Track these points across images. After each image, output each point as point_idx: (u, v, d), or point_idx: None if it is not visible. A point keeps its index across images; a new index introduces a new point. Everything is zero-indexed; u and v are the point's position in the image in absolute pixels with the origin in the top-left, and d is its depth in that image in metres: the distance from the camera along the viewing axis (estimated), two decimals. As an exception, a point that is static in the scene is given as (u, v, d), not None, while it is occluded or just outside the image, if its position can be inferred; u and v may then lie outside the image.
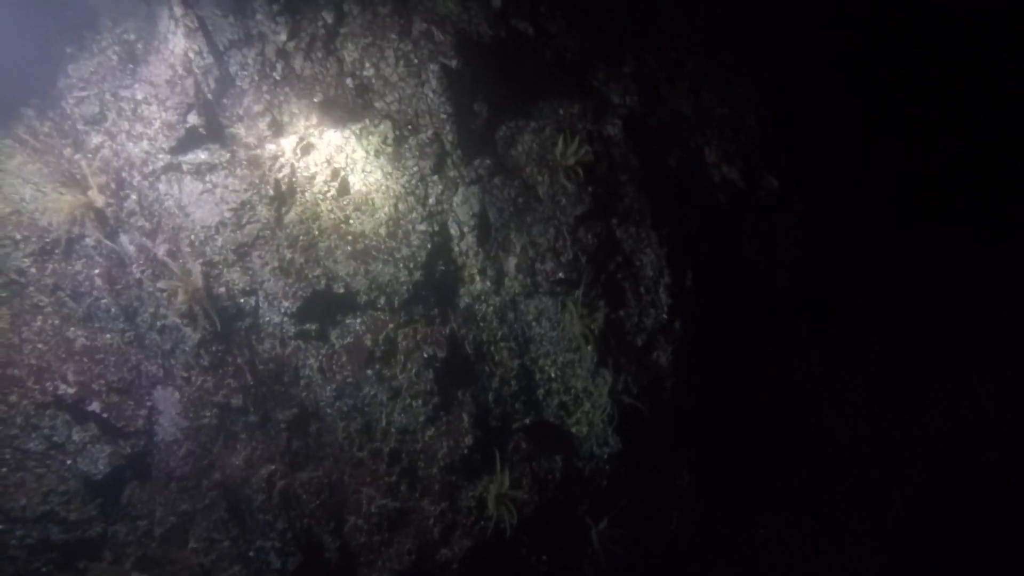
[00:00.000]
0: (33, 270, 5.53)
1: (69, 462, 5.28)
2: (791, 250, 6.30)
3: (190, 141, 5.47)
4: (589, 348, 5.15)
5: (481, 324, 5.42)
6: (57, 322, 5.61)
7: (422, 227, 5.31)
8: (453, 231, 5.43)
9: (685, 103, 6.52)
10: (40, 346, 5.52)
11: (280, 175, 5.34)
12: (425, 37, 5.58)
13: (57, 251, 5.50)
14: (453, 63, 5.44)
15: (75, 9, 5.45)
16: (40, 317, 5.60)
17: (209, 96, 5.56)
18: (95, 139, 5.43)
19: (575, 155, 5.36)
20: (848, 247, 6.95)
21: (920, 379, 6.91)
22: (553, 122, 5.72)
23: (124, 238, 5.54)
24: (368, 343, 5.19)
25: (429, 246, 5.28)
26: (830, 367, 6.46)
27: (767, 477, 6.04)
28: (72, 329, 5.59)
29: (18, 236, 5.50)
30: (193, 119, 5.44)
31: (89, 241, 5.51)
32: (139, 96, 5.42)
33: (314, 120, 5.51)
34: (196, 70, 5.47)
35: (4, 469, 5.23)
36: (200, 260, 5.29)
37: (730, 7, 7.07)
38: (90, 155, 5.40)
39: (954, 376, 7.02)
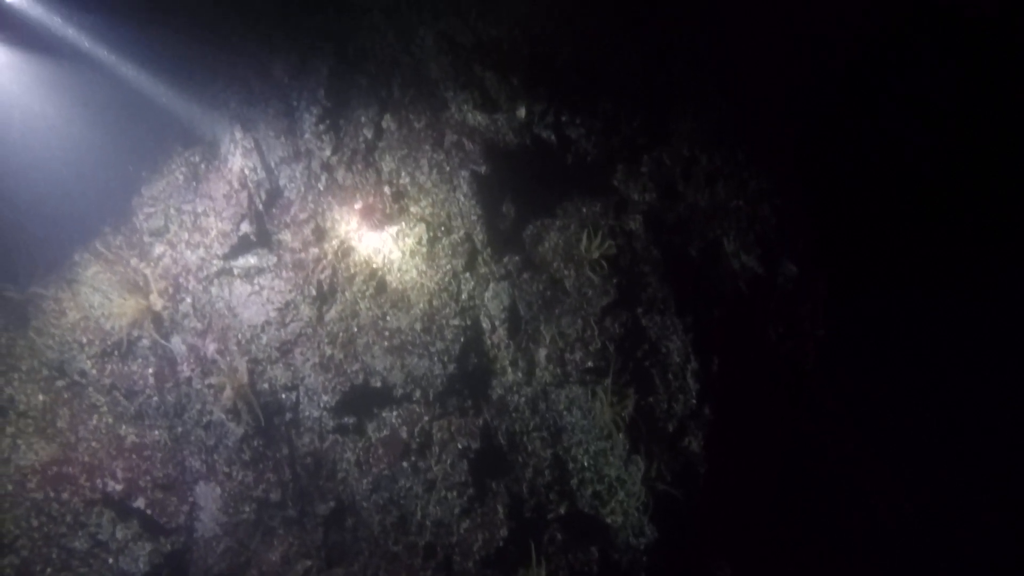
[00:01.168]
0: (94, 371, 5.92)
1: (111, 561, 5.40)
2: (816, 333, 6.39)
3: (241, 247, 5.94)
4: (620, 436, 5.21)
5: (514, 415, 5.55)
6: (111, 420, 5.93)
7: (455, 322, 5.58)
8: (485, 325, 5.68)
9: (701, 197, 6.87)
10: (94, 444, 5.81)
11: (322, 276, 5.74)
12: (456, 147, 6.10)
13: (117, 353, 5.89)
14: (482, 169, 5.91)
15: (153, 137, 6.13)
16: (96, 416, 5.92)
17: (260, 207, 6.09)
18: (158, 249, 5.94)
19: (599, 249, 5.67)
20: (874, 327, 6.99)
21: (953, 456, 6.74)
22: (577, 219, 6.08)
23: (176, 339, 5.92)
24: (404, 436, 5.34)
25: (462, 339, 5.53)
26: (860, 447, 6.36)
27: (805, 561, 5.83)
28: (124, 427, 5.89)
29: (84, 340, 5.93)
30: (245, 227, 5.94)
31: (145, 342, 5.90)
32: (199, 209, 5.97)
33: (354, 225, 5.96)
34: (250, 184, 6.04)
35: (49, 570, 5.37)
36: (246, 357, 5.61)
37: (738, 106, 7.55)
38: (153, 263, 5.90)
39: (986, 449, 6.84)
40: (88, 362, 5.92)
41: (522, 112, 6.34)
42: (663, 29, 7.29)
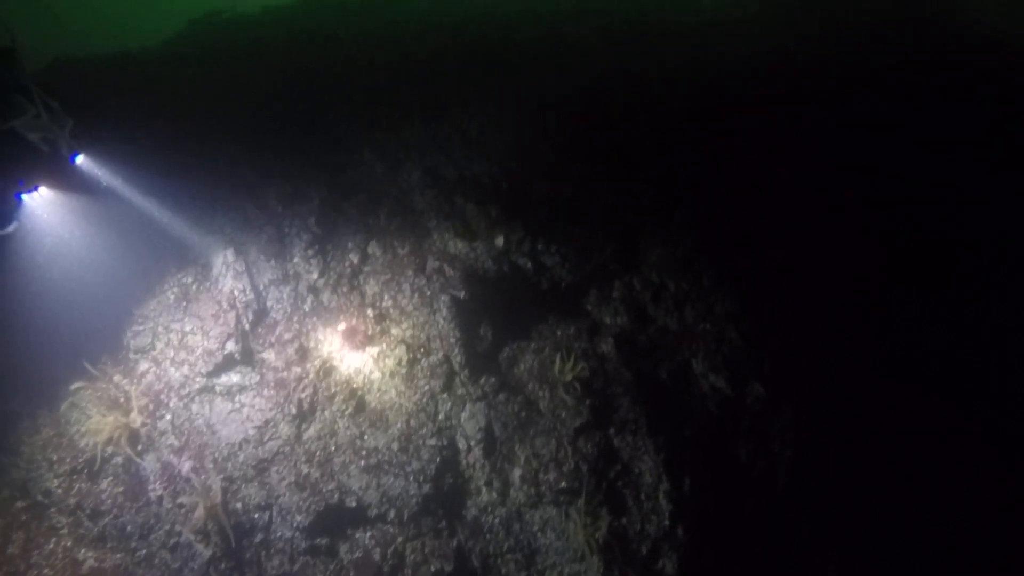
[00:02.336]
0: (59, 491, 5.82)
1: None
2: (785, 453, 6.53)
3: (225, 365, 6.10)
4: (595, 558, 5.19)
5: (488, 536, 5.52)
6: (70, 543, 5.76)
7: (432, 441, 5.68)
8: (461, 445, 5.78)
9: (671, 321, 7.24)
10: (47, 571, 5.61)
11: (303, 395, 5.87)
12: (438, 273, 6.48)
13: (87, 471, 5.84)
14: (461, 295, 6.26)
15: (151, 257, 6.45)
16: (54, 539, 5.76)
17: (246, 326, 6.32)
18: (143, 366, 6.08)
19: (572, 371, 5.92)
20: (845, 445, 7.15)
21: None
22: (551, 342, 6.38)
23: (151, 456, 5.91)
24: (377, 557, 5.26)
25: (438, 459, 5.60)
26: (836, 567, 6.31)
27: None
28: (83, 550, 5.71)
29: (54, 458, 5.89)
30: (231, 346, 6.13)
31: (119, 460, 5.88)
32: (187, 328, 6.18)
33: (337, 345, 6.19)
34: (239, 305, 6.30)
35: None
36: (221, 475, 5.60)
37: (704, 234, 8.12)
38: (137, 380, 6.00)
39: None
40: (55, 481, 5.85)
41: (500, 241, 6.81)
42: (631, 166, 8.01)
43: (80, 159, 5.17)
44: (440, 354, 6.04)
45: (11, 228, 4.58)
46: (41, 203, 5.26)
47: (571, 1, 11.01)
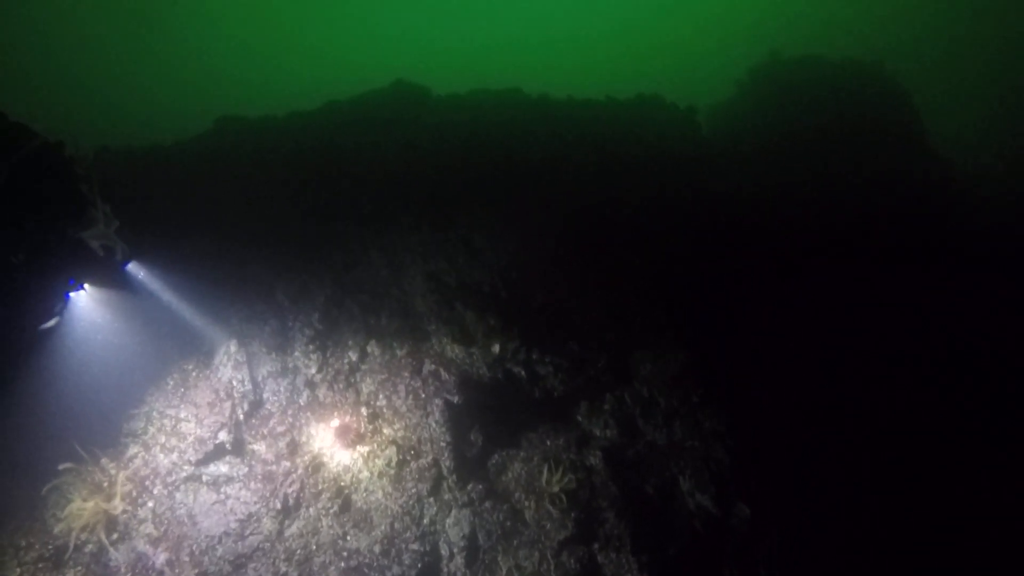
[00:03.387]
0: (18, 581, 5.62)
1: None
2: (772, 581, 6.42)
3: (215, 454, 6.11)
4: None
5: (464, 654, 5.32)
6: (22, 638, 5.49)
7: (415, 546, 5.61)
8: (444, 551, 5.70)
9: (659, 436, 7.33)
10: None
11: (290, 490, 5.85)
12: (433, 376, 6.65)
13: (54, 560, 5.68)
14: (455, 399, 6.39)
15: (154, 344, 6.61)
16: (6, 634, 5.50)
17: (240, 416, 6.38)
18: (132, 450, 6.08)
19: (559, 483, 5.94)
20: (832, 569, 7.01)
21: None
22: (540, 452, 6.44)
23: (125, 546, 5.77)
24: (347, 672, 5.04)
25: (419, 566, 5.50)
26: None
27: None
28: (37, 647, 5.44)
29: (23, 543, 5.74)
30: (223, 436, 6.16)
31: (91, 548, 5.73)
32: (182, 415, 6.25)
33: (329, 441, 6.24)
34: (235, 395, 6.40)
35: None
36: (196, 570, 5.46)
37: (693, 353, 8.36)
38: (124, 465, 5.98)
39: None
40: (17, 570, 5.66)
41: (496, 348, 7.04)
42: (626, 283, 8.39)
43: (131, 265, 5.52)
44: (430, 457, 6.08)
45: (52, 323, 4.78)
46: (81, 299, 5.52)
47: (573, 127, 11.90)
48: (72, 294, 4.89)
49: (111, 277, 5.19)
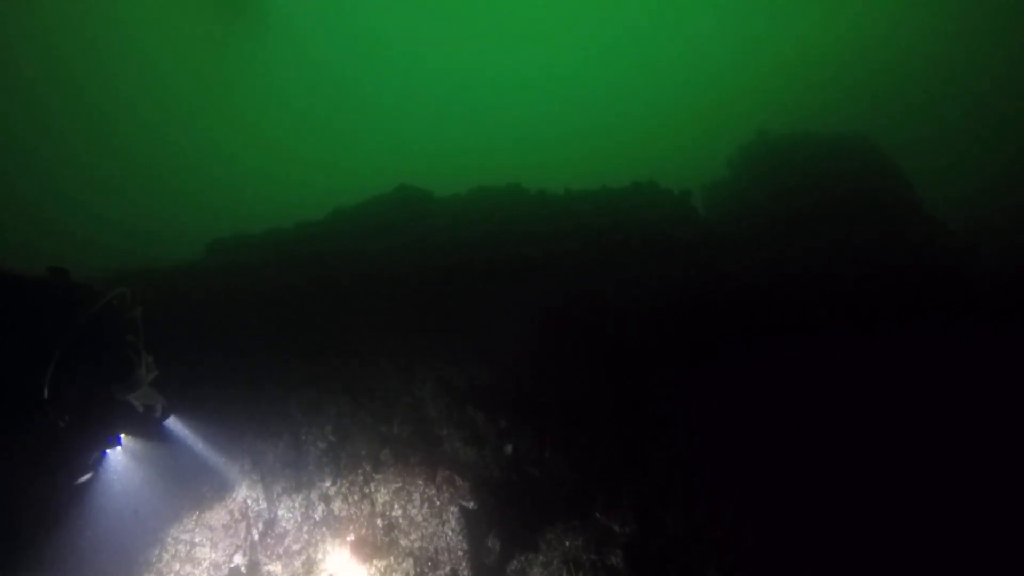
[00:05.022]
0: None
1: None
2: None
3: (229, 580, 6.03)
4: None
5: None
6: None
7: (436, 667, 5.41)
8: (466, 671, 5.48)
9: (680, 527, 7.14)
10: None
11: (306, 614, 5.72)
12: (447, 482, 6.63)
13: None
14: (470, 504, 6.34)
15: (171, 469, 6.65)
16: None
17: (255, 537, 6.34)
18: (147, 581, 6.02)
19: (580, 586, 5.78)
20: None
21: None
22: (560, 553, 6.30)
23: None
24: None
25: None
26: None
27: None
28: None
29: None
30: (238, 559, 6.11)
31: None
32: (196, 539, 6.22)
33: (345, 557, 6.15)
34: (250, 515, 6.39)
35: None
36: None
37: (709, 437, 8.26)
38: (137, 598, 5.91)
39: None
40: None
41: (509, 449, 7.04)
42: (634, 371, 8.44)
43: (170, 420, 5.68)
44: (448, 568, 5.97)
45: (88, 477, 4.87)
46: (116, 453, 5.64)
47: (572, 219, 12.30)
48: (109, 450, 5.00)
49: (149, 432, 5.32)
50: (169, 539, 6.32)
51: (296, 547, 6.25)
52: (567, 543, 6.49)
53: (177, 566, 6.16)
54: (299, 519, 6.50)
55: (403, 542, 6.19)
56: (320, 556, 6.20)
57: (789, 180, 14.14)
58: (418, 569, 5.96)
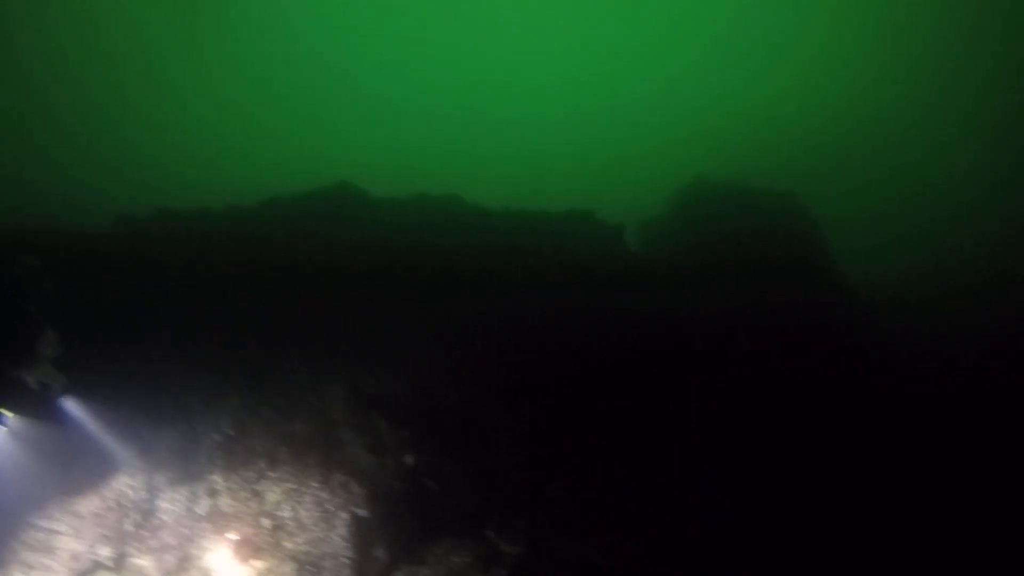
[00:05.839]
0: None
1: None
2: None
3: (89, 572, 5.68)
4: None
5: None
6: None
7: (302, 677, 5.27)
8: None
9: (571, 555, 7.26)
10: None
11: (171, 612, 5.46)
12: (343, 487, 6.51)
13: None
14: (362, 512, 6.25)
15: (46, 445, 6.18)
16: None
17: (129, 528, 6.03)
18: (-5, 570, 5.61)
19: (461, 604, 5.78)
20: None
21: None
22: (445, 569, 6.29)
23: None
24: None
25: None
26: None
27: None
28: None
29: None
30: (103, 550, 5.78)
31: None
32: (58, 528, 5.84)
33: (224, 555, 5.93)
34: (127, 503, 6.08)
35: None
36: None
37: (609, 470, 8.42)
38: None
39: None
40: None
41: (410, 460, 6.99)
42: (544, 400, 8.54)
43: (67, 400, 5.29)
44: (329, 575, 5.85)
45: None
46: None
47: (507, 238, 12.36)
48: None
49: (41, 411, 4.94)
50: (27, 527, 5.91)
51: (172, 541, 5.99)
52: (455, 559, 6.49)
53: (30, 556, 5.75)
54: (180, 512, 6.23)
55: (288, 544, 6.03)
56: (197, 552, 5.97)
57: (717, 229, 14.75)
58: (298, 574, 5.81)
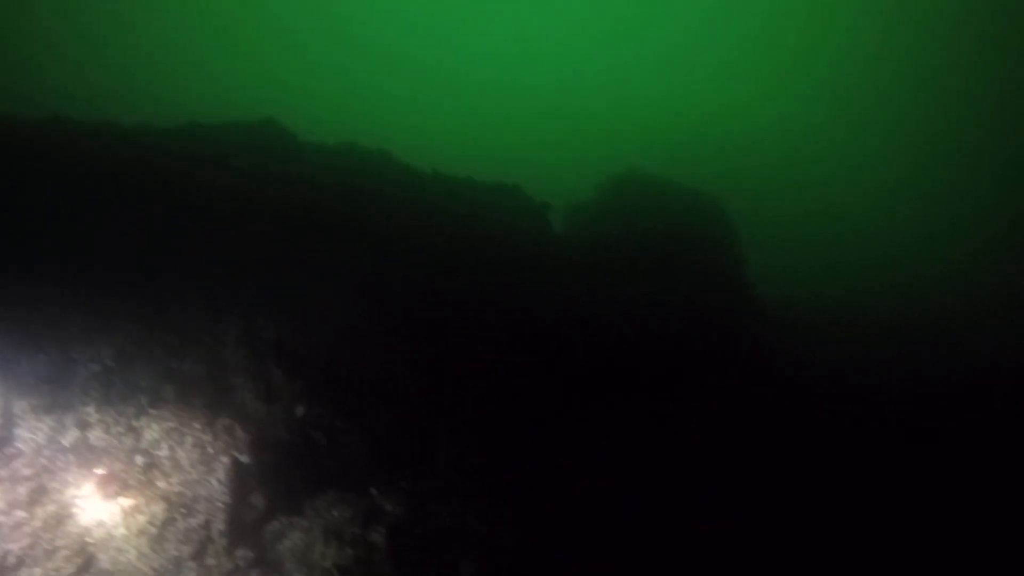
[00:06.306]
0: None
1: None
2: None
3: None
4: None
5: None
6: None
7: (161, 616, 5.17)
8: (193, 626, 5.30)
9: (450, 519, 7.45)
10: None
11: (14, 546, 5.17)
12: (227, 431, 6.34)
13: None
14: (245, 458, 6.13)
15: None
16: None
17: (-27, 455, 5.62)
18: None
19: (333, 557, 5.84)
20: None
21: None
22: (323, 522, 6.29)
23: None
24: None
25: (161, 639, 5.08)
26: None
27: None
28: None
29: None
30: (-58, 475, 5.37)
31: None
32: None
33: (87, 491, 5.66)
34: (-25, 427, 5.66)
35: None
36: None
37: (499, 441, 8.67)
38: None
39: None
40: None
41: (301, 411, 6.90)
42: (447, 364, 8.65)
43: None
44: (202, 518, 5.72)
45: None
46: None
47: (432, 202, 12.28)
48: None
49: None
50: None
51: (27, 472, 5.64)
52: (335, 513, 6.51)
53: None
54: (41, 442, 5.87)
55: (160, 484, 5.83)
56: (56, 486, 5.65)
57: (638, 222, 15.25)
58: (169, 514, 5.65)
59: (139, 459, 6.05)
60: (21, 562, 5.13)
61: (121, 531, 5.52)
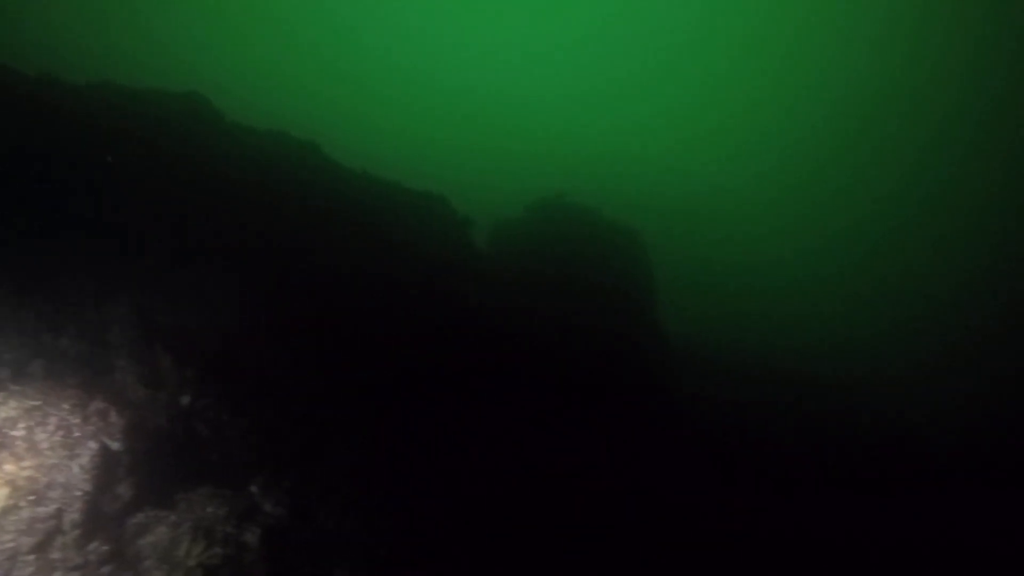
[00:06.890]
0: None
1: None
2: None
3: None
4: None
5: None
6: None
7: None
8: (27, 621, 4.94)
9: (331, 523, 7.32)
10: None
11: None
12: (100, 415, 5.98)
13: None
14: (115, 445, 5.80)
15: None
16: None
17: None
18: None
19: (199, 556, 5.60)
20: None
21: None
22: (194, 518, 6.02)
23: None
24: None
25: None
26: None
27: None
28: None
29: None
30: None
31: None
32: None
33: (-77, 468, 5.20)
34: None
35: None
36: None
37: (393, 447, 8.62)
38: None
39: None
40: None
41: (186, 400, 6.62)
42: (345, 373, 8.52)
43: None
44: (54, 507, 5.34)
45: None
46: None
47: (345, 202, 12.05)
48: None
49: None
50: None
51: None
52: (208, 509, 6.24)
53: None
54: None
55: (9, 467, 5.41)
56: None
57: (558, 248, 15.63)
58: (12, 501, 5.24)
59: (-10, 437, 5.61)
60: None
61: (-46, 516, 5.08)
